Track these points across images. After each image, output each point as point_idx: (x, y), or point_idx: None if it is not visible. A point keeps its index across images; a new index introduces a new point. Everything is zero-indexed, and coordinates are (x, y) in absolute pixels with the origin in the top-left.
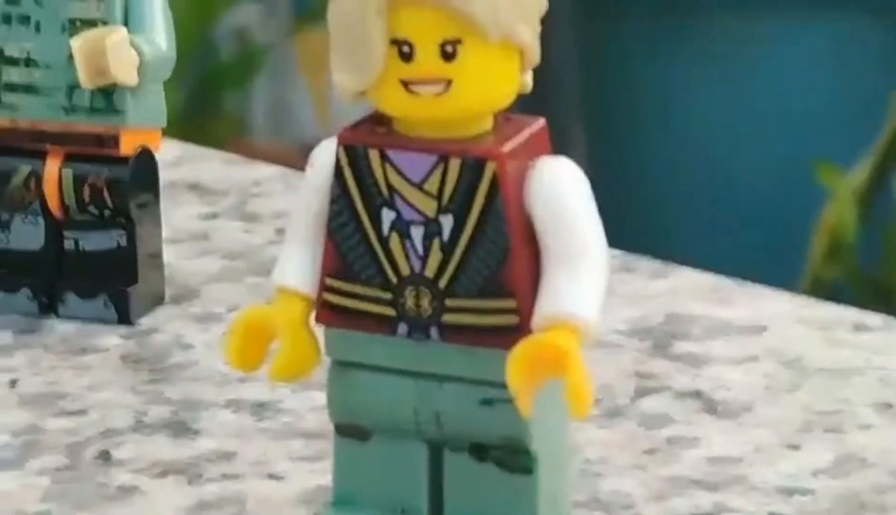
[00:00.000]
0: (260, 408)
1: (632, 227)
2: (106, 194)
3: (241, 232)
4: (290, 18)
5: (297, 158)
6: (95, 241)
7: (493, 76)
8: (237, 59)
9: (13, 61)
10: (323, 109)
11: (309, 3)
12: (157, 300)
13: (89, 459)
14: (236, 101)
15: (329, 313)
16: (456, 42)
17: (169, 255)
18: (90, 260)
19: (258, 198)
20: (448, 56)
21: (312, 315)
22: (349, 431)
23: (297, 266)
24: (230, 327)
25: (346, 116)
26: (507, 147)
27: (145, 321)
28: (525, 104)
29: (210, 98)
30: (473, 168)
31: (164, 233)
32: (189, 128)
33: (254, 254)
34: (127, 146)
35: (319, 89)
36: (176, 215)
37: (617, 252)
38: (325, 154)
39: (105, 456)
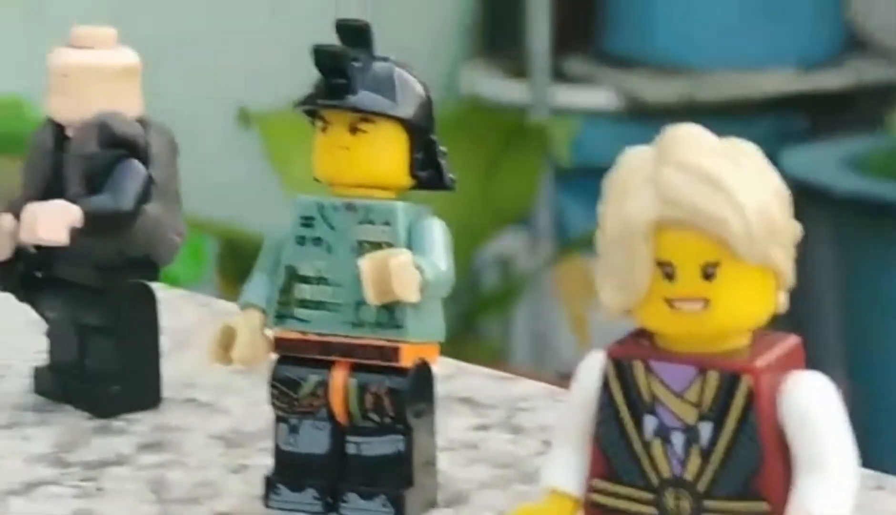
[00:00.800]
0: None
1: (888, 446)
2: (386, 402)
3: (509, 443)
4: (553, 247)
5: (555, 384)
6: (376, 446)
7: (750, 296)
8: (499, 287)
9: (306, 279)
10: (583, 338)
11: (571, 233)
12: (431, 504)
13: None
14: (496, 327)
15: (595, 511)
16: (715, 264)
17: (442, 462)
18: (370, 464)
19: (525, 412)
20: (708, 276)
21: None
22: None
23: (565, 468)
24: None
25: (606, 342)
26: (762, 362)
27: None
28: (785, 322)
29: (471, 323)
30: (730, 381)
31: (438, 441)
32: (449, 352)
33: (520, 464)
34: (407, 359)
35: (579, 318)
36: (449, 426)
37: (871, 472)
38: (591, 366)
39: None
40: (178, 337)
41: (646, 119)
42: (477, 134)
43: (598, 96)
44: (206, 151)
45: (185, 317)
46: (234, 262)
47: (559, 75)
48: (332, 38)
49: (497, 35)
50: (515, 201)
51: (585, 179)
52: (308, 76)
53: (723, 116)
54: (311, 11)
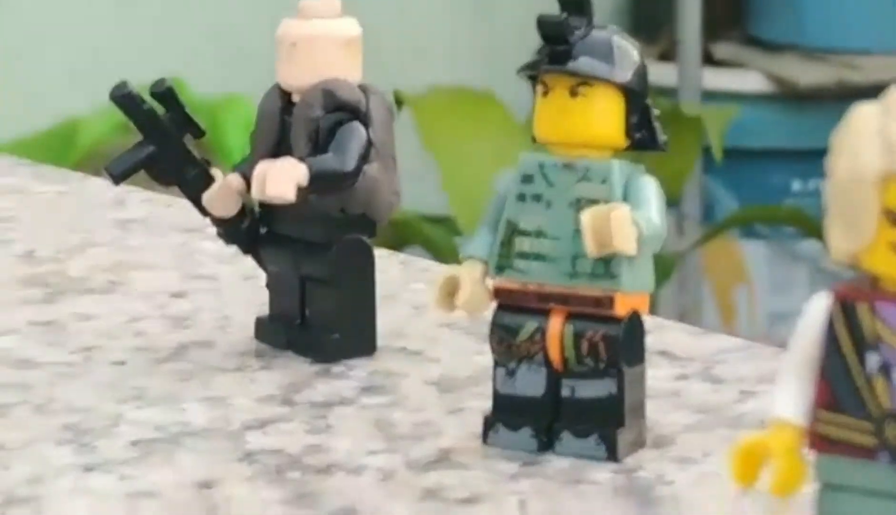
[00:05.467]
0: None
1: None
2: (601, 348)
3: (710, 392)
4: (699, 228)
5: None
6: (589, 389)
7: None
8: None
9: (526, 233)
10: (728, 318)
11: (719, 214)
12: (640, 444)
13: None
14: None
15: (818, 440)
16: None
17: (648, 408)
18: (584, 406)
19: (722, 364)
20: None
21: (802, 442)
22: None
23: (792, 400)
24: (733, 450)
25: (750, 324)
26: None
27: (630, 461)
28: None
29: None
30: None
31: None
32: None
33: (722, 410)
34: (621, 308)
35: (725, 298)
36: (649, 376)
37: None
38: (818, 305)
39: None
40: (384, 292)
41: (796, 104)
42: None
43: (748, 80)
44: None
45: (388, 274)
46: (390, 236)
47: (709, 60)
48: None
49: (648, 18)
50: (665, 184)
51: (734, 162)
52: (462, 60)
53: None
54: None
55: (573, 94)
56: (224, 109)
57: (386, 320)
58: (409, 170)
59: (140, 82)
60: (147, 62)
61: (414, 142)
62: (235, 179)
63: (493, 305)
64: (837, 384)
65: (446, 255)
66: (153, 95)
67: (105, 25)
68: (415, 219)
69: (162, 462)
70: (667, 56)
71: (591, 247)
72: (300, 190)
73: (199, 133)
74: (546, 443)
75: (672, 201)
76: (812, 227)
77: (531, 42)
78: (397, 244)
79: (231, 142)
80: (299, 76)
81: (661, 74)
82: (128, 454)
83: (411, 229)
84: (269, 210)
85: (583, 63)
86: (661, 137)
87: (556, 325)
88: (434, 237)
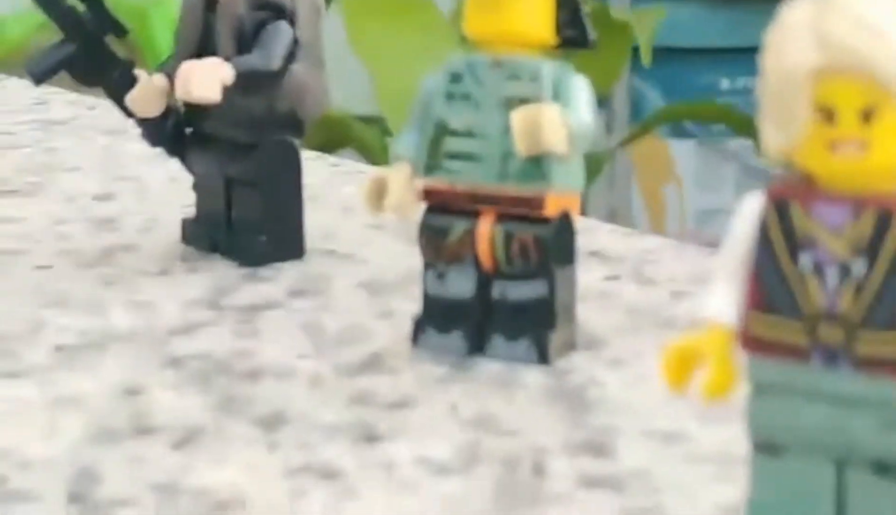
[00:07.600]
0: (669, 436)
1: None
2: (532, 249)
3: (641, 293)
4: (628, 127)
5: None
6: (520, 291)
7: None
8: None
9: (455, 133)
10: (658, 217)
11: (646, 114)
12: (571, 347)
13: (526, 470)
14: None
15: (750, 341)
16: (874, 107)
17: (577, 310)
18: (514, 308)
19: (653, 264)
20: (867, 119)
21: (735, 344)
22: (764, 447)
23: (724, 301)
24: (665, 353)
25: (680, 222)
26: None
27: (562, 364)
28: None
29: None
30: (883, 219)
31: None
32: None
33: (652, 311)
34: (551, 208)
35: (655, 197)
36: (580, 277)
37: None
38: (751, 205)
39: (539, 468)
40: (314, 195)
41: (723, 1)
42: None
43: None
44: None
45: (318, 176)
46: (322, 138)
47: None
48: None
49: None
50: (595, 83)
51: (663, 61)
52: None
53: None
54: None
55: None
56: (153, 10)
57: (315, 222)
58: (340, 69)
59: None
60: None
61: (345, 40)
62: (159, 80)
63: (423, 206)
64: (770, 284)
65: (379, 156)
66: None
67: None
68: (347, 120)
69: (86, 368)
70: None
71: (521, 146)
72: (225, 90)
73: (121, 32)
74: (476, 346)
75: (601, 101)
76: (740, 124)
77: None
78: (330, 146)
79: (160, 43)
80: None
81: None
82: (51, 360)
83: (344, 130)
84: (195, 111)
85: None
86: (591, 35)
87: (485, 226)
88: (367, 138)
